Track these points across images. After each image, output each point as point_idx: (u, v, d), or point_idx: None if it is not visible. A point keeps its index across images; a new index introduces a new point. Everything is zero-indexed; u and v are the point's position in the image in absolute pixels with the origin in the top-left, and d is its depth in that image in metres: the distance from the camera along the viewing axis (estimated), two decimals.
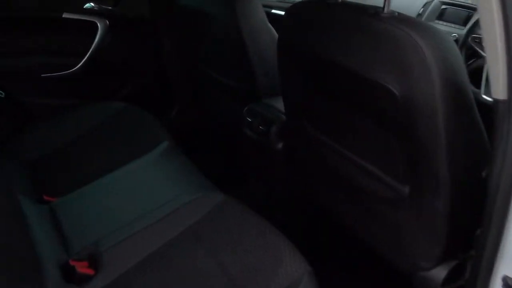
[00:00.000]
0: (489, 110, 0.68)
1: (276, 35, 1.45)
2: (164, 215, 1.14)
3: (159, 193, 1.24)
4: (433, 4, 1.53)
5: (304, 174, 1.24)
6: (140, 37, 1.83)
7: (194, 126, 2.01)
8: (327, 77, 0.99)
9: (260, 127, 1.36)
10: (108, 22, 1.71)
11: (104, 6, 1.72)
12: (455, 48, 0.80)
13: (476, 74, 1.26)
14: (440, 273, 0.96)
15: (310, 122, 1.12)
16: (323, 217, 1.26)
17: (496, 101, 0.63)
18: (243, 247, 1.01)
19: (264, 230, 1.04)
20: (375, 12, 0.85)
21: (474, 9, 1.44)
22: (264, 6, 1.56)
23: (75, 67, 1.70)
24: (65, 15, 1.64)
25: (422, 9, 1.54)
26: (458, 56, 0.80)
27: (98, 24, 1.69)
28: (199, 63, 1.75)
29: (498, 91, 0.62)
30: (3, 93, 1.55)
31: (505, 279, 0.67)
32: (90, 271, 1.00)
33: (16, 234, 1.05)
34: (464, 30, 1.38)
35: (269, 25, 1.45)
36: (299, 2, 1.08)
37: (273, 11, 1.90)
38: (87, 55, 1.70)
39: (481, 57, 1.29)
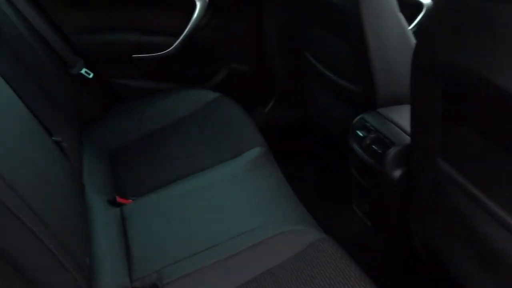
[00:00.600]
0: None
1: (407, 27, 1.15)
2: (241, 249, 0.93)
3: (242, 216, 1.03)
4: None
5: (426, 223, 0.95)
6: (241, 18, 1.61)
7: (290, 124, 1.76)
8: (494, 113, 0.67)
9: (373, 146, 1.08)
10: (207, 0, 1.51)
11: None
12: None
13: None
14: None
15: (449, 161, 0.81)
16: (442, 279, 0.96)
17: None
18: None
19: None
20: None
21: None
22: None
23: (168, 48, 1.53)
24: None
25: None
26: None
27: (197, 1, 1.50)
28: (305, 52, 1.49)
29: None
30: (91, 73, 1.44)
31: None
32: None
33: (77, 241, 0.91)
34: None
35: (400, 15, 1.14)
36: None
37: None
38: (182, 36, 1.52)
39: None
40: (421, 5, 1.57)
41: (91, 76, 1.44)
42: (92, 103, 1.49)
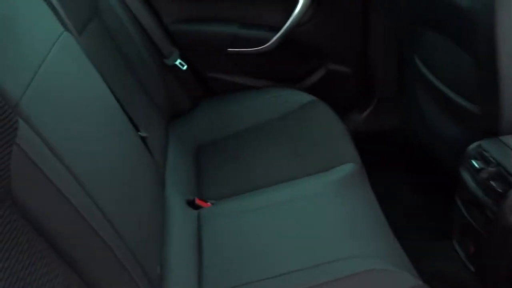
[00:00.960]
0: None
1: None
2: (322, 282, 0.83)
3: (328, 241, 0.93)
4: None
5: None
6: (346, 15, 1.48)
7: (387, 135, 1.61)
8: None
9: (491, 182, 0.91)
10: None
11: None
12: None
13: None
14: None
15: None
16: None
17: None
18: None
19: None
20: None
21: None
22: None
23: (265, 43, 1.45)
24: None
25: None
26: None
27: None
28: (414, 56, 1.33)
29: None
30: (185, 65, 1.40)
31: None
32: None
33: (151, 249, 0.87)
34: None
35: None
36: None
37: None
38: (282, 31, 1.43)
39: None
40: None
41: (184, 68, 1.40)
42: (183, 96, 1.46)
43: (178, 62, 1.39)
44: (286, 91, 1.45)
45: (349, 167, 1.11)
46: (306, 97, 1.40)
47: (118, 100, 0.93)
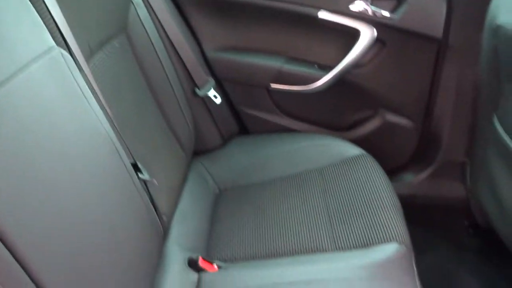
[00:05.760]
0: None
1: None
2: None
3: None
4: None
5: None
6: (415, 60, 1.26)
7: (446, 208, 1.35)
8: None
9: None
10: (376, 33, 1.20)
11: (379, 10, 1.21)
12: None
13: None
14: None
15: None
16: None
17: None
18: None
19: None
20: None
21: None
22: None
23: (314, 82, 1.26)
24: (321, 15, 1.20)
25: None
26: None
27: (361, 33, 1.20)
28: (493, 119, 1.08)
29: None
30: (219, 97, 1.24)
31: None
32: None
33: None
34: None
35: None
36: None
37: None
38: (337, 70, 1.24)
39: None
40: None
41: (218, 101, 1.24)
42: (214, 132, 1.30)
43: (211, 93, 1.23)
44: (330, 139, 1.24)
45: (392, 248, 0.88)
46: (353, 150, 1.19)
47: (119, 135, 0.78)
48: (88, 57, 0.81)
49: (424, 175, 1.37)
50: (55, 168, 0.59)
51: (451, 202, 1.36)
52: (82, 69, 0.74)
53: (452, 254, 1.32)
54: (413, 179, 1.38)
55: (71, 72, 0.69)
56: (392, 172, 1.24)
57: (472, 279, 1.26)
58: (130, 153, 0.83)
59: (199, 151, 1.27)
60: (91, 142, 0.69)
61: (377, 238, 0.91)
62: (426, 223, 1.35)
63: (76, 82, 0.69)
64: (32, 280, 0.52)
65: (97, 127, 0.72)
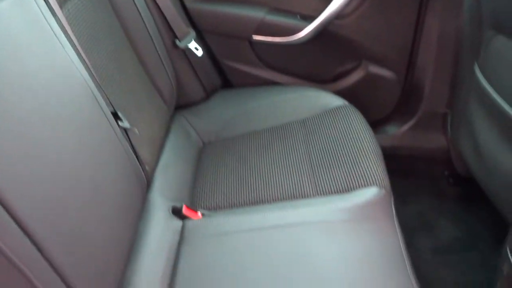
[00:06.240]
0: None
1: None
2: None
3: (326, 284, 0.73)
4: None
5: None
6: (397, 10, 1.24)
7: (427, 158, 1.37)
8: None
9: None
10: None
11: None
12: None
13: None
14: None
15: None
16: None
17: None
18: None
19: None
20: None
21: None
22: None
23: (296, 33, 1.25)
24: None
25: None
26: None
27: None
28: (475, 69, 1.09)
29: None
30: (201, 50, 1.22)
31: None
32: None
33: (111, 266, 0.70)
34: None
35: None
36: None
37: None
38: (318, 21, 1.22)
39: None
40: None
41: (200, 53, 1.22)
42: (196, 85, 1.28)
43: (192, 45, 1.21)
44: (314, 91, 1.24)
45: (372, 192, 0.90)
46: (336, 101, 1.19)
47: (97, 82, 0.77)
48: (61, 3, 0.79)
49: (406, 127, 1.39)
50: (26, 107, 0.58)
51: (432, 153, 1.38)
52: (55, 13, 0.71)
53: (433, 202, 1.36)
54: (396, 131, 1.39)
55: (43, 14, 0.67)
56: (375, 124, 1.25)
57: (452, 227, 1.30)
58: (110, 101, 0.82)
59: (182, 104, 1.26)
60: (66, 86, 0.67)
61: (358, 182, 0.92)
62: (407, 173, 1.37)
63: (49, 25, 0.67)
64: (14, 219, 0.52)
65: (73, 72, 0.70)
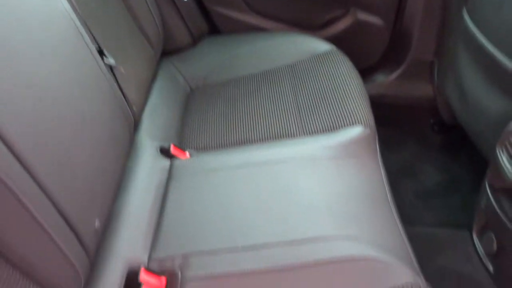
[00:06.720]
0: None
1: None
2: (296, 264, 0.68)
3: (313, 215, 0.76)
4: None
5: None
6: None
7: (415, 104, 1.38)
8: None
9: None
10: None
11: None
12: None
13: None
14: None
15: None
16: None
17: None
18: None
19: None
20: None
21: None
22: None
23: None
24: None
25: None
26: None
27: None
28: (463, 13, 1.09)
29: None
30: None
31: None
32: None
33: (97, 197, 0.72)
34: None
35: None
36: None
37: None
38: None
39: None
40: None
41: None
42: (183, 30, 1.27)
43: None
44: (301, 36, 1.24)
45: (357, 130, 0.92)
46: (324, 46, 1.19)
47: (79, 16, 0.76)
48: None
49: (394, 75, 1.39)
50: (10, 29, 0.58)
51: (418, 101, 1.40)
52: None
53: (418, 150, 1.38)
54: (384, 80, 1.40)
55: None
56: (363, 72, 1.25)
57: (435, 173, 1.33)
58: (95, 39, 0.81)
59: (169, 50, 1.25)
60: (49, 16, 0.67)
61: (343, 122, 0.94)
62: (394, 121, 1.39)
63: None
64: (4, 143, 0.53)
65: (56, 4, 0.69)
